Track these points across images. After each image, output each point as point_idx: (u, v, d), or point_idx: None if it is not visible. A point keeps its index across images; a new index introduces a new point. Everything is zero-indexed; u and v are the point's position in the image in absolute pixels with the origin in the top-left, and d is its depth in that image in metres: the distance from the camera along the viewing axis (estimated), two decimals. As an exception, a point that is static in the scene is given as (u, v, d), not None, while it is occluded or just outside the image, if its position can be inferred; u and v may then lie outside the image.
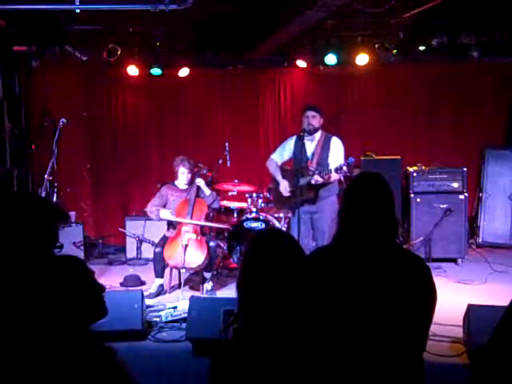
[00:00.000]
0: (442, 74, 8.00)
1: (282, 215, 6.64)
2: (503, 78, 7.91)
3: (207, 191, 6.32)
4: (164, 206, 6.22)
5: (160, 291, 6.05)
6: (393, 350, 2.20)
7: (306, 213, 5.57)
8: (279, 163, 5.93)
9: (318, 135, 5.68)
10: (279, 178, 5.83)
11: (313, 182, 5.42)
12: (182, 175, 6.29)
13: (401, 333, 2.21)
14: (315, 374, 1.80)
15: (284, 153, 5.92)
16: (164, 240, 6.11)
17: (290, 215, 6.21)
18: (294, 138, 5.87)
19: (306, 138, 5.51)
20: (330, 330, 2.08)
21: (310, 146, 5.64)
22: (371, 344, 2.19)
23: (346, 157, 5.52)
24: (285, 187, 5.73)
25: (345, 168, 5.19)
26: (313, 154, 5.65)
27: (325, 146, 5.66)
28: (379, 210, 2.31)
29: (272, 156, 6.00)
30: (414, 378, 2.25)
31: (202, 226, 6.16)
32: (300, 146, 5.61)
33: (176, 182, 6.42)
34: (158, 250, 6.04)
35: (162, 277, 6.07)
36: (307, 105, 5.90)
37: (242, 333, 1.85)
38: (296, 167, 5.67)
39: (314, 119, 5.60)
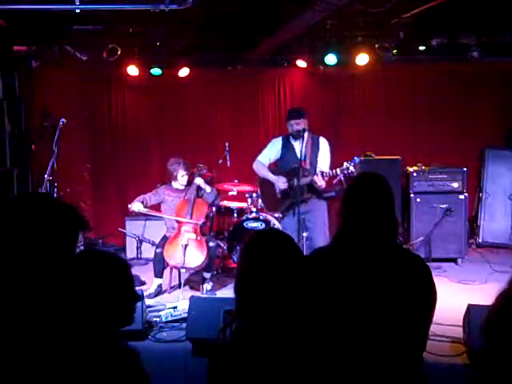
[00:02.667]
0: (442, 74, 7.99)
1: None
2: (503, 78, 7.91)
3: (208, 189, 6.31)
4: (159, 205, 6.29)
5: (159, 291, 6.05)
6: (393, 350, 2.20)
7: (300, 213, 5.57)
8: (266, 165, 5.93)
9: (305, 135, 5.68)
10: (272, 176, 5.80)
11: (316, 186, 5.41)
12: (182, 178, 6.29)
13: (401, 333, 2.21)
14: (314, 374, 1.80)
15: (271, 154, 5.91)
16: (164, 240, 6.12)
17: (277, 215, 6.22)
18: (280, 138, 5.90)
19: (294, 140, 5.64)
20: (330, 330, 2.07)
21: (299, 146, 5.63)
22: (371, 344, 2.19)
23: (332, 155, 5.65)
24: (282, 181, 5.68)
25: (352, 168, 5.17)
26: (305, 155, 5.65)
27: (314, 147, 5.70)
28: (379, 211, 2.31)
29: (259, 158, 5.95)
30: (414, 378, 2.25)
31: (202, 226, 6.16)
32: (290, 148, 5.70)
33: (173, 184, 6.42)
34: (158, 250, 6.05)
35: (161, 277, 6.07)
36: (288, 113, 5.86)
37: (240, 333, 1.85)
38: (288, 168, 5.67)
39: (298, 126, 5.62)
